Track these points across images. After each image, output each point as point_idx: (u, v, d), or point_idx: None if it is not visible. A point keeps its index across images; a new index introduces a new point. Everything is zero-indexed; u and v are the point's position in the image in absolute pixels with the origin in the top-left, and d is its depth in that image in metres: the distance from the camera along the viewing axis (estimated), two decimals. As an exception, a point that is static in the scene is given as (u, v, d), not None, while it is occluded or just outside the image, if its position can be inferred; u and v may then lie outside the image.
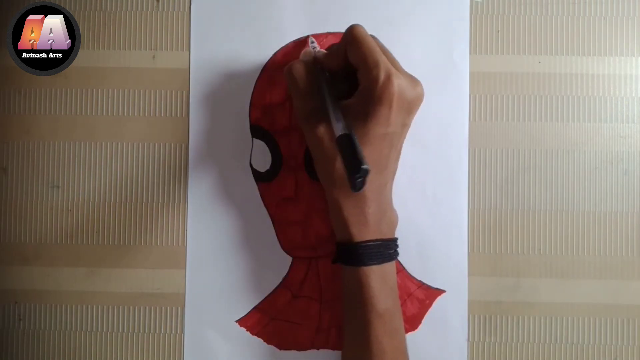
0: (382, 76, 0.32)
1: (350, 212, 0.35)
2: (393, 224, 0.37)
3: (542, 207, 0.41)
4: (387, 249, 0.35)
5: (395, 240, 0.37)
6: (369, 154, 0.33)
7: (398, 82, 0.32)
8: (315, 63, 0.37)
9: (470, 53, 0.41)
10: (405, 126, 0.35)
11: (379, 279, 0.35)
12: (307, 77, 0.35)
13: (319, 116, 0.35)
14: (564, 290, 0.40)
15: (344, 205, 0.35)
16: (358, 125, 0.33)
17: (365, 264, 0.34)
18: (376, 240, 0.35)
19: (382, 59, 0.33)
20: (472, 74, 0.41)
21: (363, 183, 0.28)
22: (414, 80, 0.34)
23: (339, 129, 0.31)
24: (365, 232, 0.35)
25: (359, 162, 0.28)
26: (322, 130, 0.34)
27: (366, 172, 0.28)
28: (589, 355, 0.40)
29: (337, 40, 0.41)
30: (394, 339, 0.35)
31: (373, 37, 0.35)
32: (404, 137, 0.36)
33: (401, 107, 0.33)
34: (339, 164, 0.34)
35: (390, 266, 0.36)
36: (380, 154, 0.34)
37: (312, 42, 0.40)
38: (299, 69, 0.35)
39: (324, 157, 0.35)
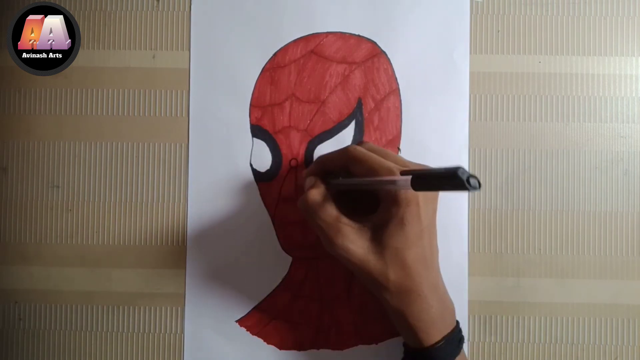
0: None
1: (416, 318, 0.33)
2: (453, 311, 0.36)
3: (542, 207, 0.41)
4: (454, 341, 0.35)
5: (457, 326, 0.36)
6: (415, 255, 0.33)
7: None
8: (320, 169, 0.36)
9: (470, 53, 0.41)
10: (435, 211, 0.35)
11: None
12: (327, 202, 0.34)
13: (350, 236, 0.33)
14: (564, 290, 0.40)
15: (407, 313, 0.33)
16: (395, 233, 0.32)
17: None
18: (444, 338, 0.34)
19: (391, 164, 0.32)
20: (472, 74, 0.41)
21: (473, 179, 0.24)
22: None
23: (404, 181, 0.28)
24: (433, 333, 0.34)
25: (449, 171, 0.24)
26: (361, 249, 0.33)
27: (458, 169, 0.24)
28: (589, 355, 0.40)
29: (337, 40, 0.41)
30: None
31: (364, 143, 0.36)
32: (435, 221, 0.35)
33: (427, 198, 0.33)
34: (393, 274, 0.33)
35: (460, 357, 0.35)
36: (424, 250, 0.33)
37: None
38: (314, 198, 0.34)
39: (374, 273, 0.33)
